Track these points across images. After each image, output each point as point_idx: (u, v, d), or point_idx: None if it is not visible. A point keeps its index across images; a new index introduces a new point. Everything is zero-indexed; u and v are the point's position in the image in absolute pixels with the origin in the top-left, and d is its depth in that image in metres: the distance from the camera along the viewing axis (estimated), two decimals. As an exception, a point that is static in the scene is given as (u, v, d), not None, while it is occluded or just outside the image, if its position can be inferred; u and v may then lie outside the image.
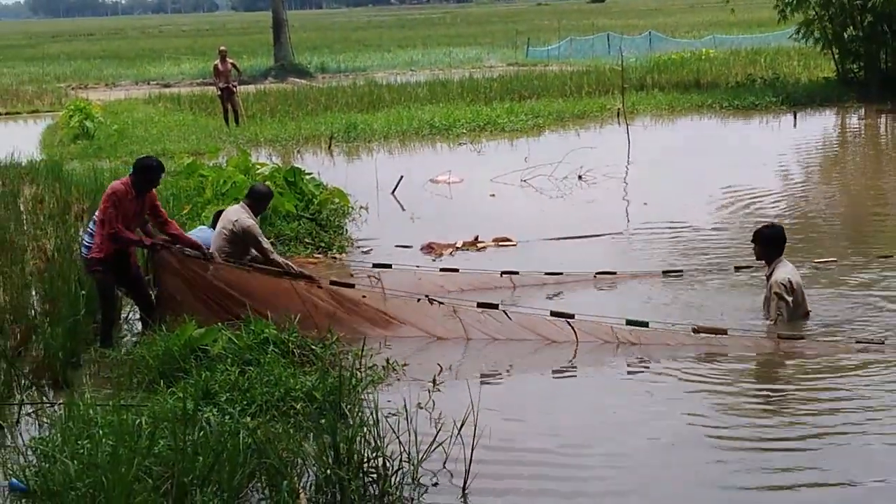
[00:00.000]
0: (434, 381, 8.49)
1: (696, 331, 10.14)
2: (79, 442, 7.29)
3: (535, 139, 26.00)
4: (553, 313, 10.55)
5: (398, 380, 9.43)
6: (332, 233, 15.34)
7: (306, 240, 14.68)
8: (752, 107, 29.65)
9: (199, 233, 11.80)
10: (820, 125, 27.57)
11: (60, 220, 15.60)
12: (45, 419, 8.68)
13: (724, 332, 10.09)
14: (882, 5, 28.88)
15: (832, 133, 27.14)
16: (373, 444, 7.16)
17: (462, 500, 7.13)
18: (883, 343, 9.76)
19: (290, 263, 11.32)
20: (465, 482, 7.20)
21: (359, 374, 9.02)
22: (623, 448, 7.94)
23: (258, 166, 16.76)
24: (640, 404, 8.84)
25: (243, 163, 16.39)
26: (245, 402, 8.33)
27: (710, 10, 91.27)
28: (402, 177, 19.09)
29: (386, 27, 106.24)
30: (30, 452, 7.67)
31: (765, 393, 9.13)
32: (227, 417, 7.89)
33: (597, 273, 12.64)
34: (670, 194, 17.95)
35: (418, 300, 10.95)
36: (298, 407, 8.33)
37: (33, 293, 11.83)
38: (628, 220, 16.31)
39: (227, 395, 8.44)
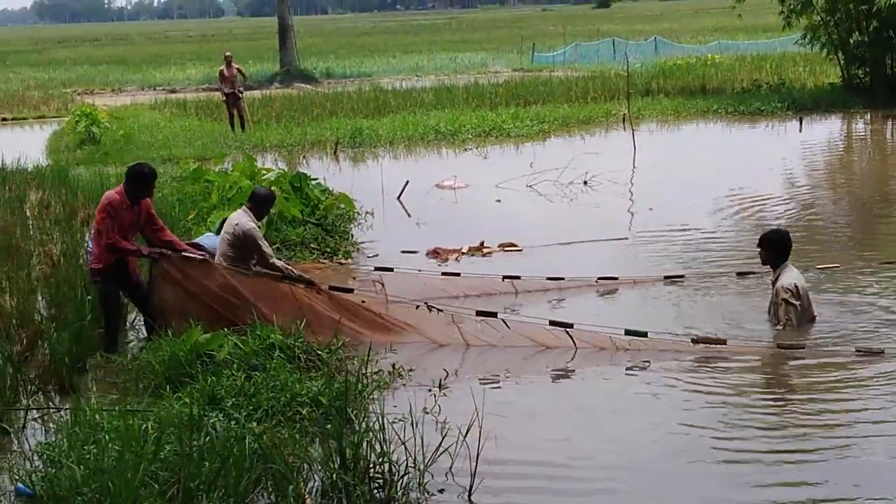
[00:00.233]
0: (440, 386, 8.48)
1: (695, 341, 10.12)
2: (85, 447, 7.29)
3: (540, 144, 26.00)
4: (552, 323, 10.55)
5: (404, 385, 9.42)
6: (338, 238, 15.35)
7: (312, 245, 14.68)
8: (758, 112, 29.65)
9: (206, 240, 11.79)
10: (826, 131, 27.56)
11: (66, 225, 15.61)
12: (51, 424, 8.68)
13: (723, 342, 10.07)
14: (888, 11, 28.84)
15: (838, 138, 27.13)
16: (378, 449, 7.16)
17: (468, 504, 7.14)
18: (882, 353, 9.72)
19: (289, 268, 11.29)
20: (470, 488, 7.19)
21: (365, 379, 9.02)
22: (626, 457, 7.92)
23: (264, 171, 16.75)
24: (643, 412, 8.82)
25: (249, 168, 16.40)
26: (251, 408, 8.33)
27: (715, 16, 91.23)
28: (407, 182, 19.09)
29: (391, 32, 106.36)
30: (36, 457, 7.68)
31: (769, 404, 9.06)
32: (233, 423, 7.89)
33: (598, 278, 12.64)
34: (676, 199, 17.94)
35: (417, 307, 10.96)
36: (304, 412, 8.33)
37: (39, 298, 11.84)
38: (633, 226, 16.31)
39: (233, 400, 8.45)
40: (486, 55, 62.40)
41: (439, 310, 10.90)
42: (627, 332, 10.25)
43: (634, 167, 21.54)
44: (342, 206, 16.48)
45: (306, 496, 6.90)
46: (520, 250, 14.64)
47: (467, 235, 15.17)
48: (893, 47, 31.01)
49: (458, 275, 12.84)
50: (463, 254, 14.53)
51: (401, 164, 23.97)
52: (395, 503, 6.99)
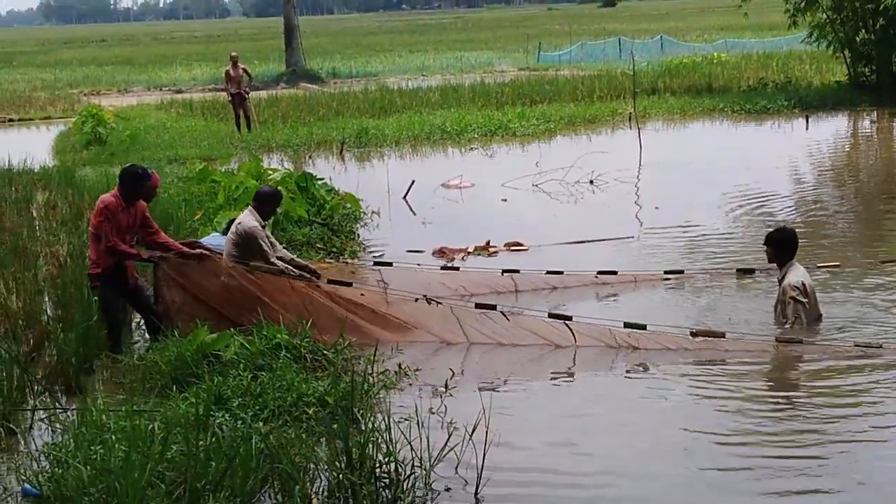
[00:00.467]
0: (446, 387, 8.47)
1: (693, 335, 10.12)
2: (92, 447, 7.29)
3: (546, 144, 25.98)
4: (551, 315, 10.56)
5: (410, 384, 9.42)
6: (344, 238, 15.35)
7: (318, 245, 14.67)
8: (765, 111, 29.61)
9: (212, 240, 11.79)
10: (832, 129, 27.53)
11: (73, 226, 15.63)
12: (58, 425, 8.69)
13: (721, 335, 10.08)
14: (894, 9, 28.79)
15: (844, 136, 27.10)
16: (385, 449, 7.16)
17: (474, 503, 7.12)
18: (881, 347, 9.74)
19: (290, 268, 11.22)
20: (477, 487, 7.19)
21: (371, 379, 9.03)
22: (633, 454, 7.92)
23: (270, 172, 16.77)
24: (647, 415, 8.80)
25: (255, 168, 16.42)
26: (257, 408, 8.34)
27: (721, 14, 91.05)
28: (413, 181, 19.09)
29: (397, 32, 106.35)
30: (43, 458, 7.68)
31: (773, 400, 9.06)
32: (239, 423, 7.90)
33: (598, 272, 12.63)
34: (682, 198, 17.92)
35: (416, 300, 10.96)
36: (311, 412, 8.33)
37: (46, 299, 11.87)
38: (640, 225, 16.30)
39: (240, 400, 8.45)
40: (491, 54, 62.38)
41: (438, 302, 10.92)
42: (626, 325, 10.30)
43: (640, 166, 21.52)
44: (348, 205, 16.49)
45: (313, 496, 6.90)
46: (526, 250, 14.63)
47: (473, 235, 15.16)
48: (900, 45, 30.96)
49: (457, 269, 12.87)
50: (469, 253, 14.53)
51: (407, 164, 23.98)
52: (401, 502, 6.99)
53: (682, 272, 12.77)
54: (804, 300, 10.39)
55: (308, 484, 7.02)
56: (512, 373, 10.00)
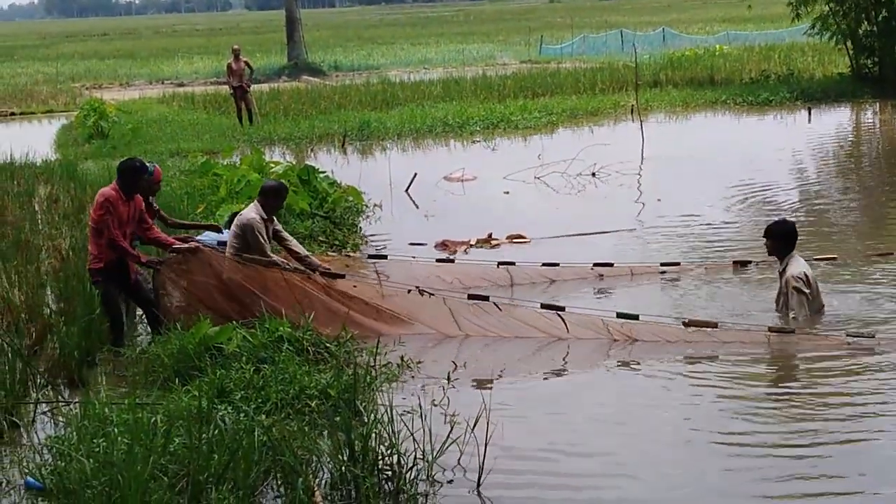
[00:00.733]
0: (448, 379, 8.47)
1: (686, 324, 10.13)
2: (94, 440, 7.30)
3: (548, 136, 25.97)
4: (543, 305, 10.57)
5: (413, 377, 9.43)
6: (346, 231, 15.35)
7: (320, 238, 14.67)
8: (767, 103, 29.60)
9: (204, 237, 11.78)
10: (834, 121, 27.50)
11: (75, 219, 15.62)
12: (60, 418, 8.70)
13: (714, 325, 10.10)
14: (896, 0, 28.79)
15: (847, 129, 27.08)
16: (387, 441, 7.17)
17: (476, 496, 7.13)
18: (873, 337, 9.75)
19: (285, 262, 11.22)
20: (479, 479, 7.20)
21: (373, 371, 9.03)
22: (632, 448, 7.92)
23: (272, 165, 16.77)
24: (647, 403, 8.81)
25: (257, 161, 16.42)
26: (260, 400, 8.34)
27: (723, 6, 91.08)
28: (415, 174, 19.09)
29: (399, 25, 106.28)
30: (46, 451, 7.69)
31: (774, 397, 8.99)
32: (242, 415, 7.89)
33: (594, 264, 12.62)
34: (684, 190, 17.91)
35: (409, 291, 10.96)
36: (313, 405, 8.33)
37: (48, 292, 11.87)
38: (642, 217, 16.29)
39: (242, 393, 8.46)
40: (493, 47, 62.29)
41: (431, 293, 10.92)
42: (619, 315, 10.31)
43: (643, 158, 21.51)
44: (350, 198, 16.49)
45: (315, 488, 6.91)
46: (528, 242, 14.63)
47: (475, 227, 15.17)
48: (902, 37, 30.92)
49: (452, 261, 12.87)
50: (471, 246, 14.53)
51: (409, 157, 23.98)
52: (403, 494, 6.99)
53: (678, 264, 12.76)
54: (807, 291, 10.39)
55: (311, 476, 7.02)
56: (512, 366, 10.01)
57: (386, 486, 7.04)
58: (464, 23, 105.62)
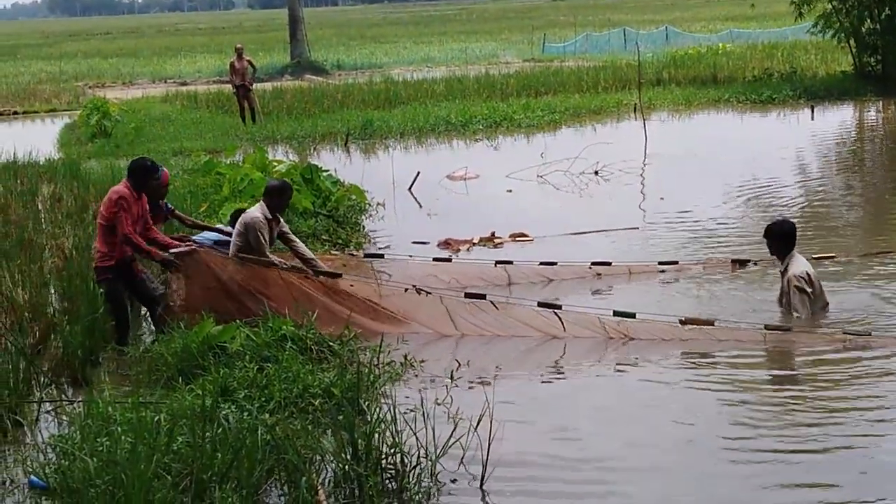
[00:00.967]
0: (452, 377, 8.47)
1: (683, 322, 10.12)
2: (98, 439, 7.30)
3: (551, 135, 25.97)
4: (540, 304, 10.57)
5: (416, 376, 9.43)
6: (349, 229, 15.35)
7: (323, 237, 14.67)
8: (770, 101, 29.61)
9: (200, 237, 11.81)
10: (837, 119, 27.50)
11: (78, 218, 15.63)
12: (64, 417, 8.71)
13: (710, 323, 10.10)
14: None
15: (850, 126, 27.07)
16: (391, 440, 7.17)
17: (480, 494, 7.13)
18: (870, 335, 9.76)
19: (283, 261, 11.23)
20: (482, 478, 7.20)
21: (376, 370, 9.03)
22: (636, 445, 7.92)
23: (275, 164, 16.79)
24: (649, 400, 8.81)
25: (260, 160, 16.42)
26: (263, 399, 8.34)
27: (726, 5, 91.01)
28: (418, 173, 19.09)
29: (402, 23, 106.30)
30: (49, 450, 7.70)
31: (775, 399, 8.90)
32: (245, 414, 7.90)
33: (592, 263, 12.61)
34: (687, 188, 17.90)
35: (405, 290, 10.97)
36: (317, 403, 8.33)
37: (52, 291, 11.88)
38: (644, 215, 16.29)
39: (246, 391, 8.45)
40: (496, 46, 62.35)
41: (427, 292, 10.93)
42: (616, 314, 10.30)
43: (646, 157, 21.51)
44: (353, 197, 16.49)
45: (319, 487, 6.91)
46: (531, 240, 14.63)
47: (478, 226, 15.17)
48: (906, 35, 30.89)
49: (448, 260, 12.86)
50: (474, 244, 14.53)
51: (412, 156, 23.98)
52: (407, 493, 7.00)
53: (676, 263, 12.75)
54: (810, 290, 10.39)
55: (314, 475, 7.03)
56: (510, 364, 10.02)
57: (389, 485, 7.05)
58: (467, 21, 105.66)
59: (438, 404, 7.76)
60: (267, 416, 7.92)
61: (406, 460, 7.11)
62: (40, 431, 8.47)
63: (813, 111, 27.59)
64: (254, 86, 30.66)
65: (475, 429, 7.33)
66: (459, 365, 9.44)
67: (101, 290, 10.55)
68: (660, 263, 12.70)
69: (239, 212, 12.15)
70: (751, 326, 10.11)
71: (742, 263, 12.62)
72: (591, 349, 10.24)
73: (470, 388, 8.96)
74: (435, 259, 12.91)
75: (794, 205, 16.48)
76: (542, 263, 12.63)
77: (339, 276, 11.27)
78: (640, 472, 7.49)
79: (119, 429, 7.38)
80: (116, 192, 10.38)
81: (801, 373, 9.52)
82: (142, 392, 8.52)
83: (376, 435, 7.16)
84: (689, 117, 28.53)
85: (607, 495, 7.17)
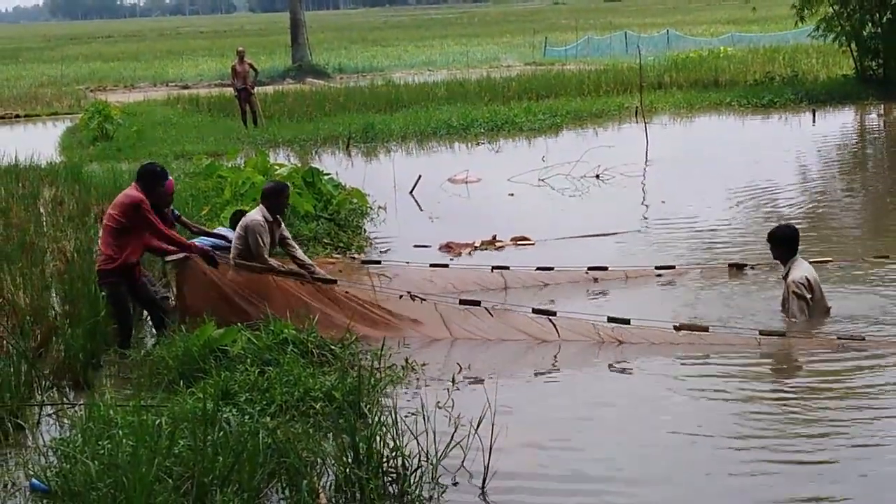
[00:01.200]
0: (453, 381, 8.46)
1: (677, 328, 10.12)
2: (99, 442, 7.30)
3: (552, 138, 26.00)
4: (535, 311, 10.56)
5: (418, 379, 9.43)
6: (351, 233, 15.35)
7: (325, 240, 14.68)
8: (771, 105, 29.62)
9: (196, 241, 11.82)
10: (839, 122, 27.50)
11: (80, 221, 15.65)
12: (65, 420, 8.70)
13: (705, 329, 10.10)
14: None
15: (851, 130, 27.06)
16: (392, 443, 7.17)
17: (481, 498, 7.12)
18: (864, 339, 9.75)
19: (282, 265, 11.23)
20: (483, 481, 7.20)
21: (378, 374, 9.03)
22: (636, 449, 7.91)
23: (276, 167, 16.78)
24: (650, 408, 8.78)
25: (261, 164, 16.42)
26: (264, 402, 8.34)
27: (727, 8, 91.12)
28: (420, 177, 19.10)
29: (403, 27, 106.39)
30: (51, 453, 7.69)
31: (774, 401, 8.81)
32: (246, 417, 7.90)
33: (588, 268, 12.60)
34: (688, 192, 17.91)
35: (400, 297, 10.98)
36: (318, 407, 8.33)
37: (53, 294, 11.88)
38: (646, 219, 16.29)
39: (247, 395, 8.45)
40: (498, 49, 62.38)
41: (422, 299, 10.93)
42: (610, 320, 10.28)
43: (647, 160, 21.51)
44: (355, 200, 16.49)
45: (320, 491, 6.91)
46: (532, 244, 14.64)
47: (480, 229, 15.17)
48: (906, 39, 30.89)
49: (445, 266, 12.85)
50: (476, 248, 14.52)
51: (413, 159, 24.01)
52: (408, 497, 6.99)
53: (673, 267, 12.74)
54: (808, 296, 10.38)
55: (315, 478, 7.03)
56: (510, 367, 10.01)
57: (390, 489, 7.04)
58: (468, 25, 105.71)
59: (439, 407, 7.76)
60: (268, 419, 7.92)
61: (407, 464, 7.10)
62: (42, 434, 8.46)
63: (814, 115, 27.59)
64: (255, 89, 30.70)
65: (476, 431, 7.33)
66: (461, 368, 9.46)
67: (104, 293, 10.55)
68: (657, 268, 12.69)
69: (239, 213, 12.18)
70: (745, 332, 10.11)
71: (739, 268, 12.61)
72: (588, 352, 10.21)
73: (469, 390, 8.95)
74: (432, 265, 12.88)
75: (795, 209, 16.46)
76: (538, 269, 12.62)
77: (335, 282, 11.27)
78: (640, 478, 7.47)
79: (120, 432, 7.37)
80: (133, 197, 10.33)
81: (797, 378, 9.45)
82: (143, 395, 8.51)
83: (377, 438, 7.16)
84: (690, 121, 28.55)
85: (608, 499, 7.16)
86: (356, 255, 14.11)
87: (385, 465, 7.09)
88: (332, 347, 9.77)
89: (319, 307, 10.63)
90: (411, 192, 18.82)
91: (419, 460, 7.14)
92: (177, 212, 12.15)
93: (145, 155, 23.57)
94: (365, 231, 15.78)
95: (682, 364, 9.72)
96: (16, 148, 23.62)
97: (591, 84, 34.60)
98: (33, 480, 7.22)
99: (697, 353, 9.93)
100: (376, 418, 7.52)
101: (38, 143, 26.99)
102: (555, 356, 10.19)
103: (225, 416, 7.80)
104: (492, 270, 12.56)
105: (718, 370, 9.55)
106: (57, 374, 9.66)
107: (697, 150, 22.78)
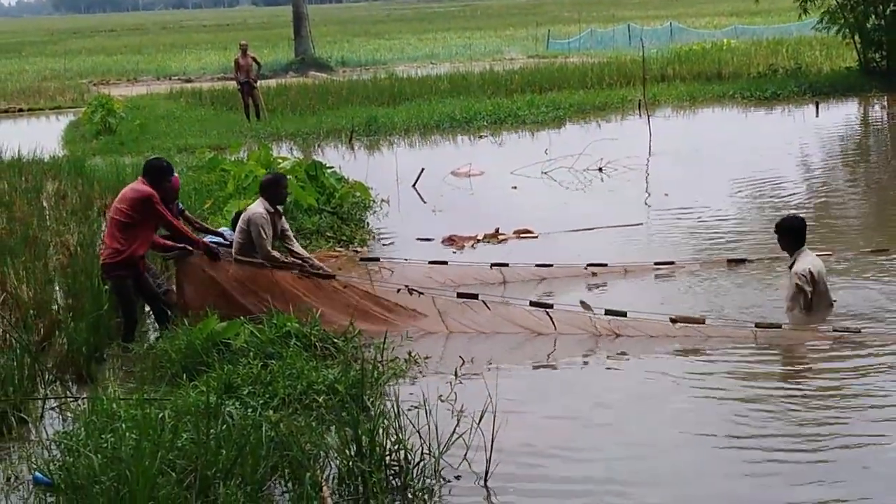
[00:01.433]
0: (456, 374, 8.47)
1: (674, 321, 10.12)
2: (102, 436, 7.31)
3: (555, 131, 25.98)
4: (532, 303, 10.57)
5: (421, 373, 9.44)
6: (354, 226, 15.36)
7: (328, 233, 14.68)
8: (774, 97, 29.56)
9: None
10: (842, 115, 27.43)
11: (83, 215, 15.67)
12: (68, 413, 8.72)
13: (701, 321, 10.10)
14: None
15: (854, 122, 27.01)
16: (394, 436, 7.18)
17: (483, 491, 7.13)
18: (859, 331, 9.75)
19: (281, 257, 11.26)
20: (486, 473, 7.20)
21: (380, 367, 9.04)
22: (637, 446, 7.90)
23: (279, 160, 16.79)
24: (651, 400, 8.79)
25: (265, 157, 16.43)
26: (267, 396, 8.35)
27: (730, 1, 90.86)
28: (423, 170, 19.09)
29: (406, 20, 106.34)
30: (54, 447, 7.70)
31: (775, 397, 8.76)
32: (249, 411, 7.91)
33: (587, 265, 12.59)
34: (692, 185, 17.89)
35: (398, 290, 10.99)
36: (321, 400, 8.35)
37: (56, 288, 11.89)
38: (649, 211, 16.28)
39: (250, 388, 8.47)
40: (500, 42, 62.33)
41: (420, 292, 10.94)
42: (607, 312, 10.29)
43: (650, 153, 21.48)
44: (357, 194, 16.49)
45: (323, 484, 6.92)
46: (535, 237, 14.63)
47: (483, 222, 15.16)
48: (910, 31, 30.83)
49: (445, 263, 12.83)
50: (478, 241, 14.53)
51: (416, 152, 23.99)
52: (410, 490, 7.00)
53: (672, 263, 12.72)
54: (808, 288, 10.35)
55: (318, 472, 7.05)
56: (510, 359, 10.00)
57: (393, 482, 7.06)
58: (471, 17, 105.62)
59: (442, 401, 7.77)
60: (271, 412, 7.94)
61: (409, 457, 7.11)
62: (45, 428, 8.49)
63: (818, 107, 27.52)
64: (258, 82, 30.70)
65: (478, 424, 7.34)
66: (464, 362, 9.47)
67: (107, 286, 10.57)
68: (655, 263, 12.67)
69: (241, 214, 12.17)
70: (742, 324, 10.10)
71: (738, 262, 12.60)
72: (587, 345, 10.22)
73: (473, 383, 8.93)
74: (431, 262, 12.82)
75: (797, 201, 16.44)
76: (538, 265, 12.62)
77: (333, 276, 11.27)
78: (642, 469, 7.48)
79: (123, 425, 7.39)
80: (142, 191, 10.32)
81: (796, 377, 9.36)
82: (146, 389, 8.52)
83: (380, 431, 7.17)
84: (693, 113, 28.52)
85: (611, 492, 7.16)
86: (359, 249, 14.10)
87: (388, 458, 7.10)
88: (335, 340, 9.78)
89: (318, 304, 10.62)
90: (414, 185, 18.81)
91: (422, 453, 7.15)
92: (181, 206, 12.16)
93: (148, 149, 23.59)
94: (368, 224, 15.78)
95: (680, 357, 9.72)
96: (19, 142, 23.66)
97: (595, 77, 34.56)
98: (36, 474, 7.23)
99: (695, 346, 9.92)
100: (379, 411, 7.51)
101: (41, 136, 26.98)
102: (552, 349, 10.17)
103: (228, 409, 7.82)
104: (491, 267, 12.55)
105: (717, 363, 9.56)
106: (60, 367, 9.68)
107: (700, 142, 22.75)
